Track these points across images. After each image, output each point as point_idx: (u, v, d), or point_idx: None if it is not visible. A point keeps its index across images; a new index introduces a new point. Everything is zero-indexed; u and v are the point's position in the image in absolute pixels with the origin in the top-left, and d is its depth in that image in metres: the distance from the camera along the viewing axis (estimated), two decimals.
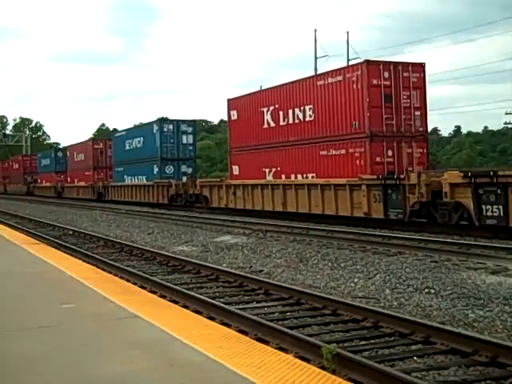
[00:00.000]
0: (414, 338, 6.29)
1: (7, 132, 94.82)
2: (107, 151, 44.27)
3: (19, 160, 68.66)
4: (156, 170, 34.12)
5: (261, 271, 11.38)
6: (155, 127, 34.55)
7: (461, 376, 5.26)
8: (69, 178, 51.63)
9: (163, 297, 8.22)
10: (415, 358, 5.76)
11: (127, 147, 38.60)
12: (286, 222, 20.68)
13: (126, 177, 38.90)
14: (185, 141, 34.48)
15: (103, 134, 79.65)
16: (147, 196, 34.87)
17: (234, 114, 26.83)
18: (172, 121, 35.31)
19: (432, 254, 12.46)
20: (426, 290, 8.96)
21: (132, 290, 7.12)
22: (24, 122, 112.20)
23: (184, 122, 35.31)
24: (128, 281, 9.44)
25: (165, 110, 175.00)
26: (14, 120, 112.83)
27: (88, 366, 3.94)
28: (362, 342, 6.32)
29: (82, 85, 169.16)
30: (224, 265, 12.20)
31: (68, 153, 52.85)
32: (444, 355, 5.83)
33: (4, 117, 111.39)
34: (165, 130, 34.00)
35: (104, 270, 10.40)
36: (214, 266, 11.53)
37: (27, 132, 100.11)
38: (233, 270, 10.96)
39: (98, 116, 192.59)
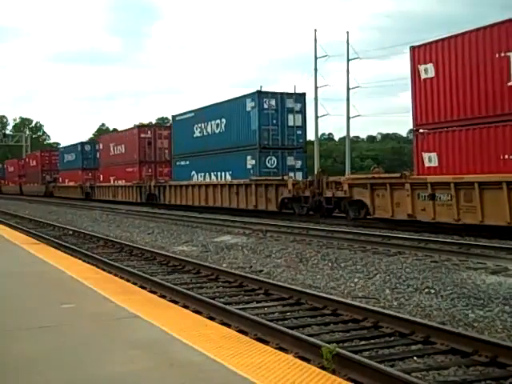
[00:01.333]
0: (414, 338, 6.29)
1: (7, 132, 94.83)
2: (156, 142, 36.39)
3: (37, 156, 60.89)
4: (251, 163, 25.12)
5: (261, 271, 11.38)
6: (249, 103, 25.18)
7: (461, 376, 5.26)
8: (101, 176, 42.85)
9: (163, 297, 8.22)
10: (415, 358, 5.76)
11: (197, 133, 29.80)
12: (286, 222, 20.70)
13: (193, 173, 30.08)
14: (291, 122, 25.37)
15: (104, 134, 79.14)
16: (238, 200, 25.29)
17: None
18: (274, 94, 25.61)
19: (432, 253, 12.46)
20: (426, 290, 8.97)
21: (132, 290, 7.11)
22: (24, 122, 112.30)
23: (290, 95, 25.86)
24: (128, 281, 9.44)
25: (165, 110, 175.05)
26: (14, 120, 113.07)
27: (88, 366, 3.94)
28: (362, 342, 6.32)
29: (81, 85, 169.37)
30: (224, 265, 12.20)
31: (100, 145, 44.36)
32: (444, 355, 5.83)
33: (4, 117, 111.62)
34: (265, 106, 24.83)
35: (104, 270, 10.39)
36: (214, 266, 11.53)
37: (27, 132, 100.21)
38: (233, 270, 10.96)
39: (98, 116, 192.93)
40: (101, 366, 3.92)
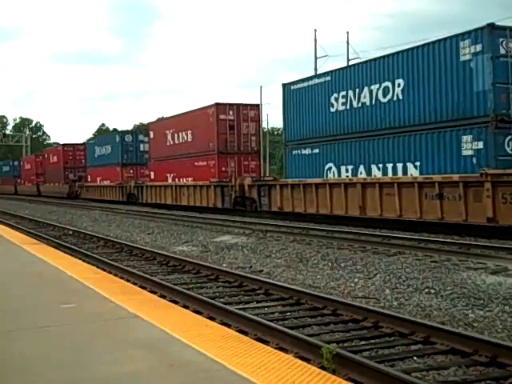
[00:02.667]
0: (414, 338, 6.29)
1: (7, 132, 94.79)
2: (241, 125, 27.73)
3: (58, 151, 53.14)
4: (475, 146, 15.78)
5: (261, 271, 11.38)
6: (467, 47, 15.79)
7: (461, 376, 5.26)
8: (152, 173, 34.30)
9: (163, 297, 8.22)
10: (415, 358, 5.76)
11: (339, 106, 20.43)
12: (286, 222, 20.70)
13: (330, 166, 20.97)
14: None
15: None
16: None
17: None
18: None
19: (432, 253, 12.46)
20: (426, 290, 8.97)
21: (132, 290, 7.11)
22: (24, 122, 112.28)
23: None
24: (128, 281, 9.44)
25: (165, 110, 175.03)
26: (14, 120, 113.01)
27: (88, 365, 3.94)
28: (362, 342, 6.32)
29: (81, 85, 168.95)
30: (224, 265, 12.20)
31: (151, 133, 35.02)
32: (444, 355, 5.83)
33: (4, 117, 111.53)
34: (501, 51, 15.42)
35: (104, 269, 10.40)
36: (214, 266, 11.53)
37: (27, 132, 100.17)
38: (233, 270, 10.96)
39: (98, 116, 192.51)
40: (101, 366, 3.91)
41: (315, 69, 49.16)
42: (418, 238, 14.79)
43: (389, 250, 13.15)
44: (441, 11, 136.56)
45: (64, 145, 54.00)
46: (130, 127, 72.13)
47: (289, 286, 9.22)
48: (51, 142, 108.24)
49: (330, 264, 11.71)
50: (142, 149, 38.23)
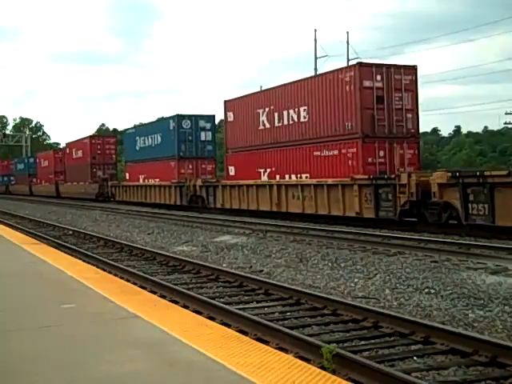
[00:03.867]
0: (414, 338, 6.29)
1: (7, 132, 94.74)
2: (392, 96, 19.66)
3: (84, 144, 44.85)
4: None
5: (261, 271, 11.38)
6: None
7: (461, 376, 5.26)
8: (232, 169, 26.98)
9: (163, 297, 8.22)
10: (415, 358, 5.76)
11: None
12: (286, 222, 20.69)
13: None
14: None
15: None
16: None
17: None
18: None
19: (432, 254, 12.46)
20: (426, 290, 8.96)
21: (132, 290, 7.11)
22: (24, 122, 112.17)
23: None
24: (128, 281, 9.44)
25: (165, 110, 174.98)
26: (14, 120, 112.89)
27: (88, 366, 3.94)
28: (362, 342, 6.32)
29: (81, 85, 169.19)
30: (224, 265, 12.20)
31: (230, 115, 27.05)
32: (444, 355, 5.83)
33: (4, 117, 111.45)
34: None
35: (104, 269, 10.39)
36: (213, 266, 11.53)
37: (27, 132, 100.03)
38: (233, 270, 10.96)
39: (98, 116, 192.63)
40: (101, 366, 3.91)
41: (315, 69, 49.20)
42: (418, 238, 14.78)
43: (389, 250, 13.14)
44: (441, 11, 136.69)
45: (92, 136, 46.64)
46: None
47: (289, 286, 9.22)
48: (51, 142, 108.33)
49: (330, 264, 11.71)
50: (203, 138, 31.63)
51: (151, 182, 33.94)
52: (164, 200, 31.84)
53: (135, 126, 42.60)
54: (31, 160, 63.32)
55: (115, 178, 42.64)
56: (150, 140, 34.76)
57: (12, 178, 70.30)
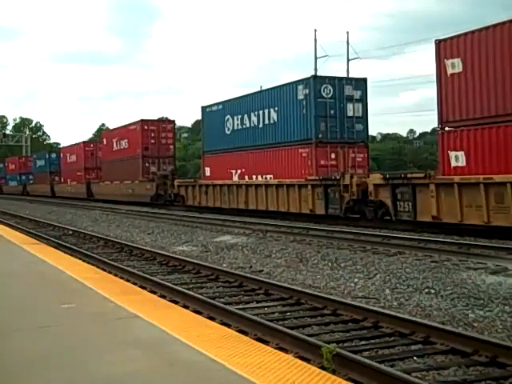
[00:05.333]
0: (413, 338, 6.29)
1: (7, 132, 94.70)
2: None
3: (132, 132, 36.05)
4: None
5: (261, 271, 11.38)
6: None
7: (461, 376, 5.26)
8: (463, 157, 15.62)
9: (163, 297, 8.22)
10: (415, 358, 5.76)
11: None
12: (286, 222, 20.71)
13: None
14: None
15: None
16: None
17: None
18: None
19: (432, 253, 12.46)
20: (426, 290, 8.97)
21: (132, 290, 7.11)
22: (24, 122, 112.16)
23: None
24: (128, 281, 9.44)
25: (165, 110, 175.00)
26: (14, 120, 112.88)
27: (88, 366, 3.94)
28: (362, 342, 6.32)
29: (81, 85, 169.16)
30: (224, 265, 12.20)
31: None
32: (444, 355, 5.83)
33: (4, 117, 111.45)
34: None
35: (104, 269, 10.39)
36: (213, 266, 11.53)
37: (27, 132, 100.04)
38: (233, 270, 10.96)
39: (98, 116, 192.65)
40: (101, 366, 3.91)
41: (315, 69, 49.21)
42: (418, 238, 14.79)
43: (389, 250, 13.15)
44: (441, 11, 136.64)
45: (144, 121, 35.76)
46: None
47: (289, 286, 9.22)
48: (51, 142, 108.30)
49: (330, 264, 11.71)
50: (350, 113, 22.45)
51: (258, 180, 24.76)
52: (288, 206, 22.47)
53: (222, 102, 28.50)
54: (53, 155, 55.04)
55: (176, 176, 34.14)
56: (254, 118, 25.20)
57: (30, 177, 60.54)
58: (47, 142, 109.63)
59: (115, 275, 9.87)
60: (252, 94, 26.88)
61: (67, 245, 15.66)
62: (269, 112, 24.64)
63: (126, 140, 37.54)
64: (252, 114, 25.86)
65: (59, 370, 3.87)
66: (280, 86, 24.38)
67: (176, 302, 7.78)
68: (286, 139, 23.60)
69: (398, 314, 7.11)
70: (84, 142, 49.25)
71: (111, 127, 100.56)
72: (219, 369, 3.79)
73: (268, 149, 24.72)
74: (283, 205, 22.99)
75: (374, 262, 11.64)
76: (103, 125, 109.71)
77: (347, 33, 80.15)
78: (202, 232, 18.80)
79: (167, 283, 9.62)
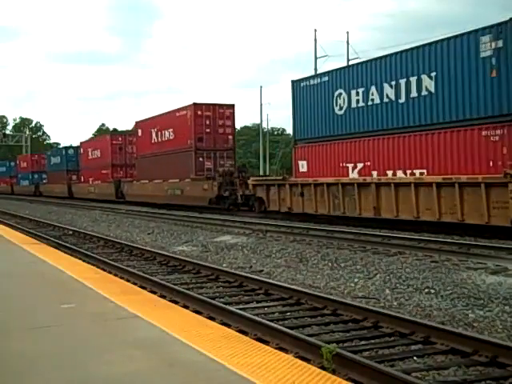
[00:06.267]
0: (413, 338, 6.29)
1: (7, 132, 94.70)
2: None
3: (180, 119, 29.42)
4: None
5: (261, 271, 11.38)
6: None
7: (461, 376, 5.26)
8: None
9: (163, 297, 8.22)
10: (415, 358, 5.76)
11: None
12: (286, 222, 20.71)
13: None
14: None
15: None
16: None
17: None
18: None
19: (432, 253, 12.47)
20: (426, 290, 8.97)
21: (132, 290, 7.11)
22: (24, 122, 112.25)
23: None
24: (128, 281, 9.44)
25: (165, 110, 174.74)
26: (14, 120, 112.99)
27: (88, 366, 3.94)
28: (362, 342, 6.32)
29: (81, 85, 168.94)
30: (224, 265, 12.20)
31: None
32: (444, 355, 5.83)
33: (4, 117, 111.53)
34: None
35: (104, 269, 10.40)
36: (213, 266, 11.53)
37: (27, 132, 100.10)
38: (233, 270, 10.96)
39: (98, 116, 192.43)
40: (101, 366, 3.91)
41: (315, 69, 49.18)
42: (418, 238, 14.79)
43: (389, 250, 13.15)
44: (441, 11, 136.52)
45: (197, 105, 28.73)
46: (130, 127, 58.14)
47: (289, 285, 9.22)
48: (51, 142, 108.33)
49: (330, 264, 11.71)
50: None
51: (401, 176, 17.83)
52: (462, 215, 15.49)
53: (328, 72, 21.69)
54: (71, 151, 49.50)
55: (246, 172, 28.55)
56: (389, 91, 18.56)
57: (44, 176, 56.22)
58: (47, 142, 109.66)
59: (115, 275, 9.87)
60: (385, 56, 19.02)
61: (67, 245, 15.66)
62: (418, 80, 17.32)
63: (171, 129, 30.63)
64: (386, 85, 18.45)
65: (59, 369, 3.87)
66: (442, 41, 16.78)
67: (176, 302, 7.78)
68: (455, 117, 16.20)
69: (398, 314, 7.11)
70: (111, 133, 43.51)
71: (111, 127, 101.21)
72: (219, 369, 3.79)
73: (418, 132, 17.33)
74: (450, 213, 15.69)
75: (373, 262, 11.65)
76: (103, 125, 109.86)
77: (347, 33, 79.91)
78: (201, 232, 18.80)
79: (167, 283, 9.62)
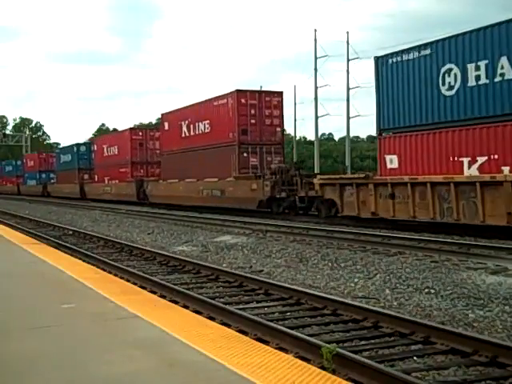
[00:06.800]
0: (413, 338, 6.29)
1: (7, 132, 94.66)
2: None
3: (220, 108, 26.10)
4: None
5: (261, 271, 11.38)
6: None
7: (461, 376, 5.25)
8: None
9: (163, 297, 8.22)
10: (415, 358, 5.76)
11: None
12: (286, 222, 20.70)
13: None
14: None
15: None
16: None
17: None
18: None
19: (432, 254, 12.47)
20: (426, 290, 8.97)
21: (132, 290, 7.11)
22: (24, 122, 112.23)
23: None
24: (128, 281, 9.44)
25: (165, 111, 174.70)
26: (14, 120, 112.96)
27: (88, 366, 3.94)
28: (362, 342, 6.32)
29: (81, 85, 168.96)
30: (224, 265, 12.20)
31: None
32: (444, 355, 5.82)
33: (4, 117, 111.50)
34: None
35: (104, 269, 10.40)
36: (214, 266, 11.53)
37: (27, 132, 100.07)
38: (233, 270, 10.96)
39: (98, 116, 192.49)
40: (101, 366, 3.91)
41: (315, 69, 49.26)
42: (418, 238, 14.78)
43: (389, 250, 13.15)
44: (441, 11, 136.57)
45: (240, 92, 25.21)
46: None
47: (289, 286, 9.22)
48: (51, 141, 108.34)
49: (330, 264, 11.71)
50: None
51: None
52: None
53: (429, 44, 17.28)
54: (83, 148, 46.52)
55: (303, 169, 24.54)
56: None
57: (52, 176, 53.84)
58: (47, 142, 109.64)
59: (115, 275, 9.87)
60: None
61: (67, 245, 15.66)
62: None
63: (206, 121, 26.91)
64: None
65: (59, 369, 3.87)
66: None
67: (176, 302, 7.78)
68: None
69: (398, 314, 7.11)
70: (131, 128, 37.93)
71: (111, 127, 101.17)
72: (219, 369, 3.79)
73: None
74: None
75: (373, 262, 11.64)
76: (103, 125, 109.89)
77: (347, 33, 79.83)
78: (202, 232, 18.80)
79: (167, 283, 9.62)
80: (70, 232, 20.09)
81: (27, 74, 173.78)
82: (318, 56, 50.49)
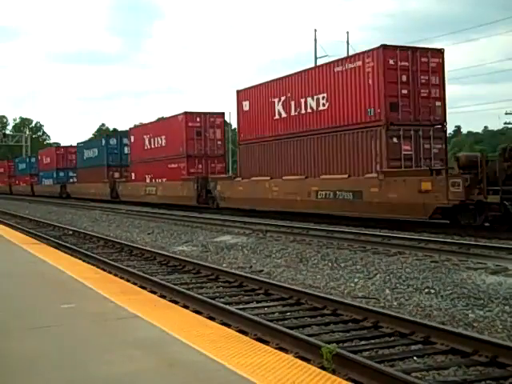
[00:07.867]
0: (413, 338, 6.29)
1: (7, 132, 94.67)
2: None
3: (360, 68, 17.90)
4: None
5: (261, 271, 11.37)
6: None
7: (461, 376, 5.25)
8: None
9: (163, 297, 8.22)
10: (415, 358, 5.76)
11: None
12: (286, 222, 20.68)
13: None
14: None
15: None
16: None
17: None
18: None
19: (432, 253, 12.46)
20: (426, 290, 8.96)
21: (132, 290, 7.11)
22: (24, 122, 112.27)
23: None
24: (128, 281, 9.44)
25: (165, 110, 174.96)
26: (14, 120, 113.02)
27: (88, 366, 3.93)
28: (362, 342, 6.32)
29: (81, 85, 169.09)
30: (224, 265, 12.20)
31: None
32: (444, 355, 5.82)
33: (4, 117, 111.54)
34: None
35: (104, 269, 10.40)
36: (214, 266, 11.53)
37: (27, 132, 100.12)
38: (233, 270, 10.96)
39: (98, 116, 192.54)
40: (101, 366, 3.91)
41: None
42: (418, 238, 14.78)
43: (389, 250, 13.14)
44: (441, 11, 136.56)
45: (387, 47, 17.84)
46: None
47: (289, 286, 9.22)
48: (51, 142, 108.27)
49: (330, 264, 11.71)
50: None
51: None
52: None
53: None
54: (112, 141, 39.05)
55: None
56: None
57: (71, 174, 47.16)
58: (47, 142, 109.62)
59: (115, 275, 9.87)
60: None
61: (67, 245, 15.65)
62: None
63: (322, 95, 19.75)
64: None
65: (59, 369, 3.87)
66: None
67: (176, 302, 7.78)
68: None
69: (398, 314, 7.11)
70: (186, 112, 28.71)
71: (111, 127, 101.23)
72: (219, 369, 3.79)
73: None
74: None
75: (373, 262, 11.64)
76: (103, 125, 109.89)
77: (347, 33, 79.87)
78: (202, 232, 18.79)
79: (167, 283, 9.61)
80: (70, 232, 20.08)
81: (27, 74, 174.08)
82: (318, 56, 50.36)
